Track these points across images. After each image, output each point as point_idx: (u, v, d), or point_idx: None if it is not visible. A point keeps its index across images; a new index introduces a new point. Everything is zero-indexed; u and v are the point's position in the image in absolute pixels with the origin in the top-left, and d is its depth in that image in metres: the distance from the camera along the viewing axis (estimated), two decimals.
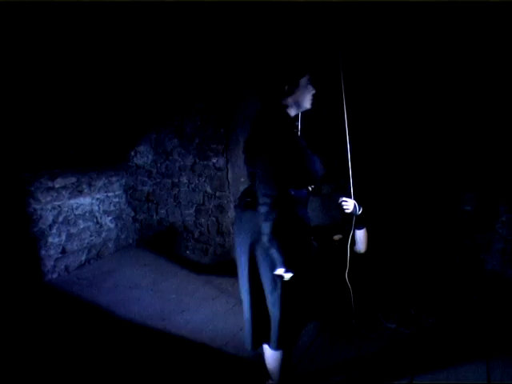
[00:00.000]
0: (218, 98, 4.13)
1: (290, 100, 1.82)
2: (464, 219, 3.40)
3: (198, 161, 4.39)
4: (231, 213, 4.31)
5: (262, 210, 1.65)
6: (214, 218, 4.42)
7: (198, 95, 4.22)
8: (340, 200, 2.82)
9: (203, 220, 4.47)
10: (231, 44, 3.75)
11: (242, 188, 4.16)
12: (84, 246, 4.24)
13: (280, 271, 1.68)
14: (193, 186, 4.47)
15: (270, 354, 1.97)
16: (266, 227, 1.65)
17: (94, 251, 4.36)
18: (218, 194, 4.35)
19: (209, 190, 4.39)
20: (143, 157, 4.65)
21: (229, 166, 4.23)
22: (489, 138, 3.20)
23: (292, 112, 1.86)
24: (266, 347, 1.98)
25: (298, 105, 1.84)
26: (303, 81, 1.81)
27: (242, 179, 4.20)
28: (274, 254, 1.67)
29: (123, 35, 3.34)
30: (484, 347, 2.58)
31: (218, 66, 3.97)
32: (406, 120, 3.36)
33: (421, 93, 3.32)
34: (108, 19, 3.11)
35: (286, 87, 1.79)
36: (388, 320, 2.93)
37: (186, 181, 4.49)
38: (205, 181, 4.39)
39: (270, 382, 2.07)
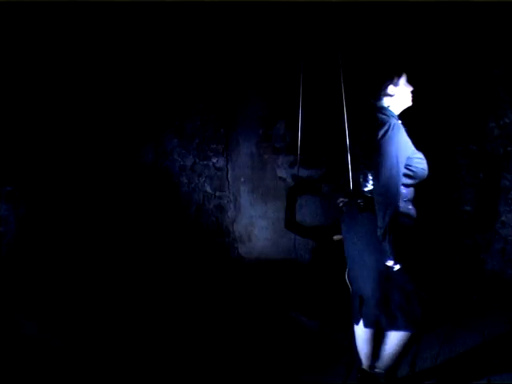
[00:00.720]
0: (218, 98, 4.13)
1: (393, 100, 1.97)
2: (464, 219, 3.40)
3: (197, 161, 4.38)
4: (231, 213, 4.31)
5: (380, 205, 1.83)
6: (213, 218, 4.41)
7: (198, 95, 4.22)
8: (339, 200, 2.82)
9: (203, 220, 4.47)
10: (232, 44, 3.74)
11: (242, 188, 4.20)
12: None
13: (390, 263, 1.86)
14: (193, 185, 4.46)
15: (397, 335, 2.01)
16: (381, 222, 1.82)
17: None
18: (217, 193, 4.35)
19: (209, 190, 4.39)
20: None
21: (229, 166, 4.23)
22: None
23: (397, 111, 1.99)
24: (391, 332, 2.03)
25: (400, 104, 1.99)
26: (402, 80, 1.95)
27: (242, 179, 4.20)
28: (386, 246, 1.84)
29: (123, 35, 3.34)
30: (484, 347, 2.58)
31: (218, 65, 3.96)
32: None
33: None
34: (108, 19, 3.11)
35: (390, 89, 1.94)
36: None
37: (186, 181, 4.48)
38: (205, 181, 4.39)
39: (378, 367, 2.10)
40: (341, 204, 2.85)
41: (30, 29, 2.89)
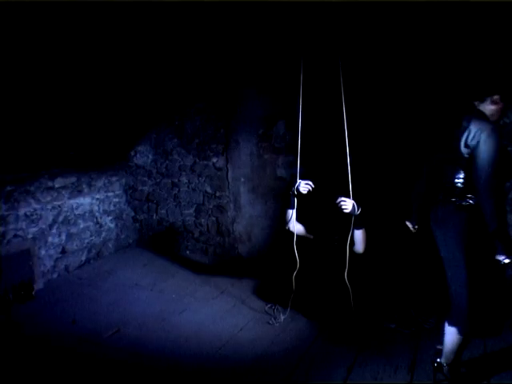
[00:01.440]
0: (218, 98, 4.13)
1: (493, 108, 2.11)
2: None
3: (198, 161, 4.39)
4: (231, 212, 4.31)
5: (488, 201, 1.95)
6: (213, 218, 4.42)
7: (198, 95, 4.22)
8: (339, 200, 2.82)
9: (203, 220, 4.47)
10: (232, 44, 3.74)
11: (242, 188, 4.20)
12: (84, 245, 4.24)
13: (501, 257, 1.97)
14: (193, 185, 4.47)
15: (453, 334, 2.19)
16: (493, 218, 1.93)
17: (93, 251, 4.36)
18: (218, 193, 4.36)
19: (209, 190, 4.39)
20: (143, 157, 4.66)
21: (229, 166, 4.23)
22: None
23: (492, 118, 2.13)
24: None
25: (496, 113, 2.14)
26: (497, 98, 2.11)
27: (242, 179, 4.20)
28: (500, 241, 1.95)
29: (123, 34, 3.34)
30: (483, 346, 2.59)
31: (218, 65, 3.96)
32: (405, 123, 3.36)
33: (421, 95, 3.32)
34: (108, 19, 3.11)
35: (496, 97, 2.09)
36: (388, 320, 2.93)
37: (186, 181, 4.49)
38: (205, 181, 4.40)
39: (442, 360, 2.28)
40: (341, 203, 2.85)
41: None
